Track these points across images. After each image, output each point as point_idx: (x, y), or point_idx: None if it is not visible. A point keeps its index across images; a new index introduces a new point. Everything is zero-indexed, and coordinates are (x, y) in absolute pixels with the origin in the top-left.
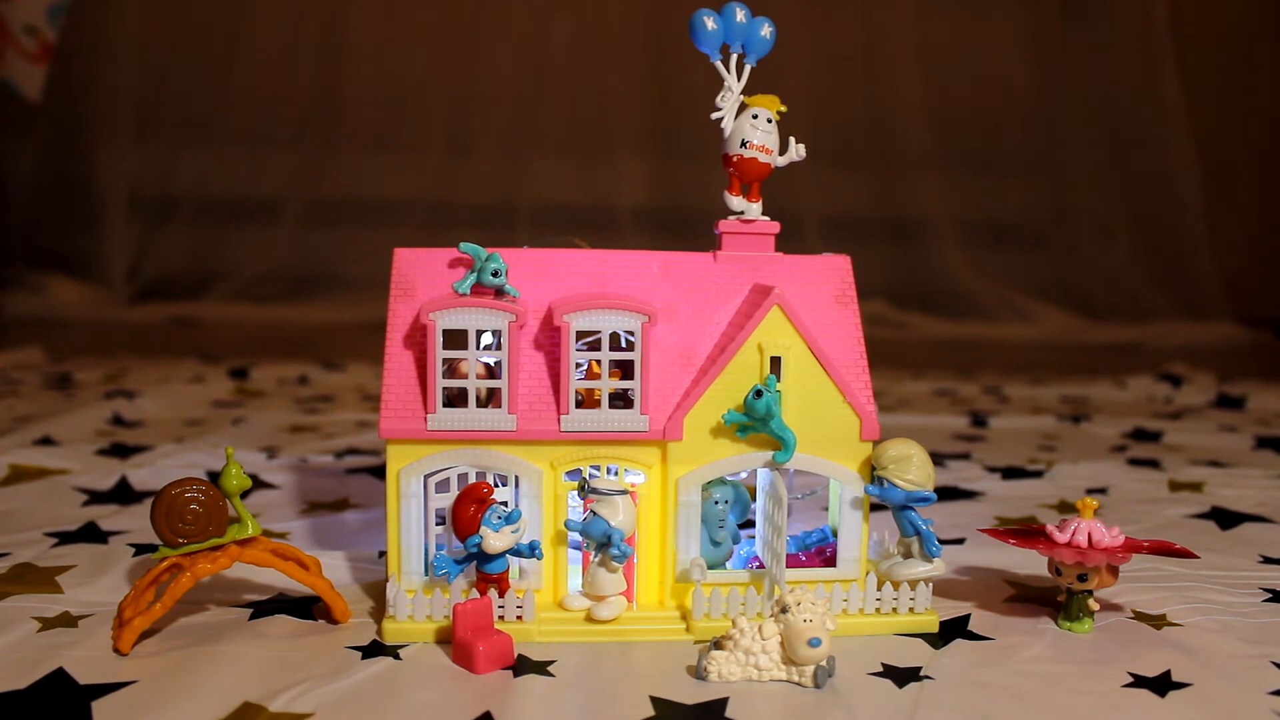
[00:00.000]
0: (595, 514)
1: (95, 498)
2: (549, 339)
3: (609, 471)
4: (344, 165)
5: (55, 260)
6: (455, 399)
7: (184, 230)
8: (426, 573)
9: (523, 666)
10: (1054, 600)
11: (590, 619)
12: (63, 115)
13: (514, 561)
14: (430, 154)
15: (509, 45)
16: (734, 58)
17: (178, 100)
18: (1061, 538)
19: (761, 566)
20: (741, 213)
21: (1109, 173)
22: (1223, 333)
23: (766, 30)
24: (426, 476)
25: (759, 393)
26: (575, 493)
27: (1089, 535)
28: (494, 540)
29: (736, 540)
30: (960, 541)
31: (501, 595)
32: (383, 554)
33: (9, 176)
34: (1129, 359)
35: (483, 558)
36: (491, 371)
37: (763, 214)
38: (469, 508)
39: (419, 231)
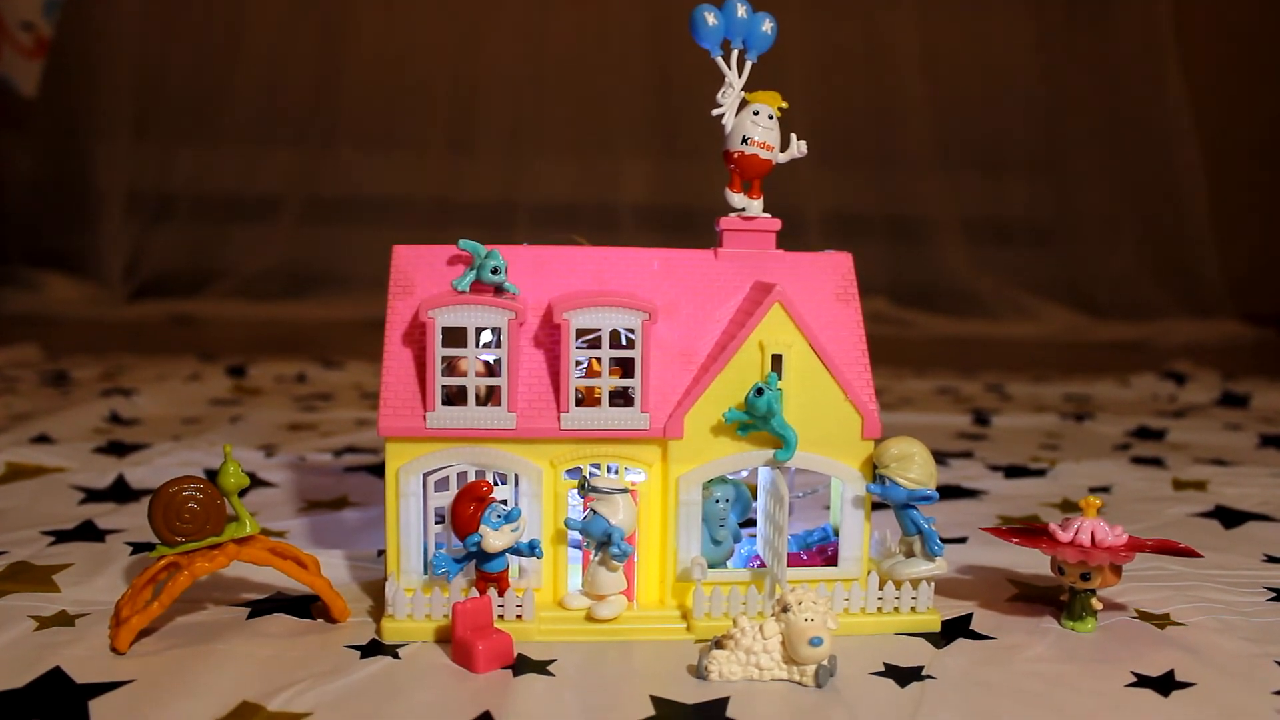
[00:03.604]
0: (595, 512)
1: (92, 496)
2: (549, 337)
3: (609, 470)
4: (343, 162)
5: (52, 258)
6: (454, 397)
7: (182, 227)
8: (426, 571)
9: (522, 666)
10: (1057, 600)
11: (590, 618)
12: (59, 112)
13: (513, 560)
14: (430, 151)
15: (509, 41)
16: (735, 53)
17: (176, 96)
18: (1064, 537)
19: (763, 565)
20: (743, 210)
21: (1113, 170)
22: (1227, 330)
23: (768, 26)
24: (426, 475)
25: (760, 391)
26: (575, 491)
27: (1092, 534)
28: (493, 539)
29: (737, 539)
30: (962, 540)
31: (501, 594)
32: (382, 553)
33: (5, 173)
34: (1132, 357)
35: (482, 556)
36: (491, 369)
37: (764, 211)
38: (468, 506)
39: (419, 229)
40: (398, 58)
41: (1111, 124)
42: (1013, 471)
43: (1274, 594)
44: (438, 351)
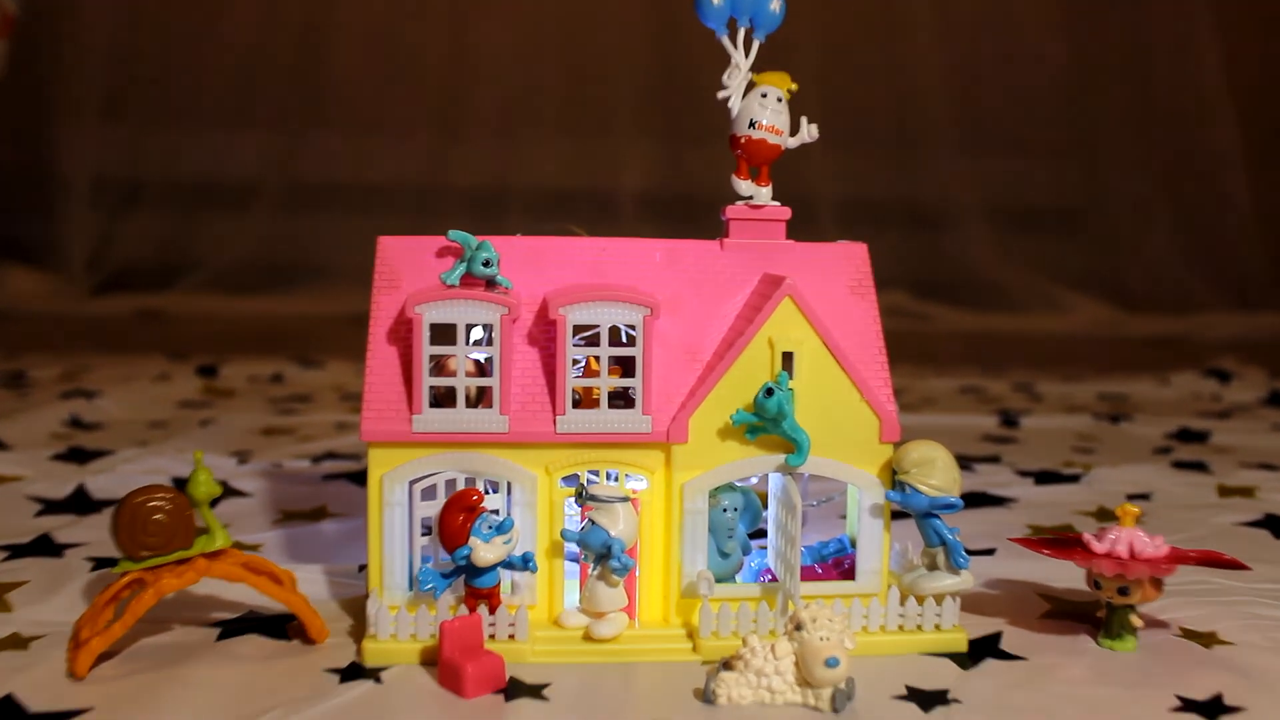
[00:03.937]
0: (594, 523)
1: (50, 507)
2: (544, 334)
3: (608, 477)
4: (324, 146)
5: (11, 247)
6: (443, 399)
7: (151, 216)
8: (411, 588)
9: (515, 690)
10: (1093, 616)
11: (588, 638)
12: (24, 93)
13: (506, 575)
14: (418, 135)
15: (502, 18)
16: (742, 33)
17: (146, 77)
18: (1100, 548)
19: (774, 580)
20: (750, 197)
21: (1147, 152)
22: (1274, 324)
23: (776, 4)
24: (411, 483)
25: (770, 391)
26: (572, 500)
27: (1130, 545)
28: (484, 552)
29: (747, 551)
30: (990, 552)
31: (492, 612)
32: (363, 567)
33: None
34: (1172, 353)
35: (472, 571)
36: (482, 369)
37: (773, 199)
38: (457, 517)
39: (405, 218)
40: (383, 35)
41: (1145, 101)
42: (1044, 477)
43: None
44: (425, 350)
